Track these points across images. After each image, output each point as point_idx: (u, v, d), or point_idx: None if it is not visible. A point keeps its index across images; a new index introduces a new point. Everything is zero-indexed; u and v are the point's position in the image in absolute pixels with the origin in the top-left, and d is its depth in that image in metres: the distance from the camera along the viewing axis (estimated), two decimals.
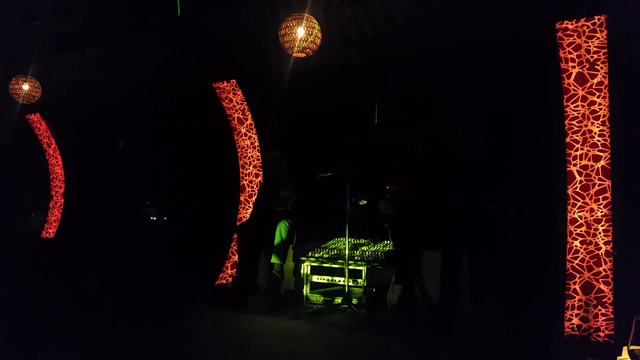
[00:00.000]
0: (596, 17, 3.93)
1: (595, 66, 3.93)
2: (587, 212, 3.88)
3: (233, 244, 5.78)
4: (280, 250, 4.38)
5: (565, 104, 4.02)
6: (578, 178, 3.92)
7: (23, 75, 5.92)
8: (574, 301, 3.81)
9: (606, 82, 3.89)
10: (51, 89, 6.26)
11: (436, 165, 4.33)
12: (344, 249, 4.05)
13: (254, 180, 6.00)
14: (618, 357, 3.03)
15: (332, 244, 4.54)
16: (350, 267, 4.05)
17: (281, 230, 4.38)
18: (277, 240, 4.40)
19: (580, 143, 3.94)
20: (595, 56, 3.93)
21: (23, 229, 9.44)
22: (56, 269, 6.84)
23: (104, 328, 4.76)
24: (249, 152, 6.05)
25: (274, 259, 4.37)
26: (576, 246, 3.88)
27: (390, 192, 4.36)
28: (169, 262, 6.79)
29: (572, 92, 4.00)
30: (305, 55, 4.31)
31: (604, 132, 3.87)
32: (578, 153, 3.94)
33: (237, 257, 4.90)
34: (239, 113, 6.05)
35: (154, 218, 9.39)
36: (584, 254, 3.84)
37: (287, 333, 3.66)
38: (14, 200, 9.41)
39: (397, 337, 3.40)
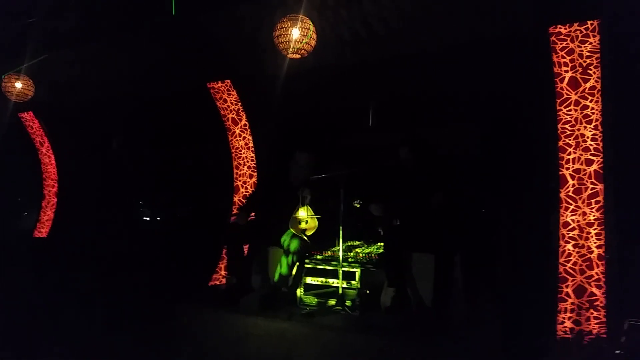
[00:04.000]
0: (589, 22, 3.95)
1: (588, 70, 3.96)
2: (579, 215, 3.90)
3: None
4: (290, 263, 4.24)
5: (558, 107, 4.05)
6: (571, 182, 3.95)
7: (16, 73, 5.88)
8: (567, 304, 3.84)
9: (599, 87, 3.92)
10: (44, 87, 6.23)
11: (429, 167, 4.34)
12: (338, 250, 4.05)
13: (248, 181, 5.99)
14: None
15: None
16: (344, 269, 4.05)
17: (292, 246, 4.20)
18: (287, 249, 4.24)
19: (573, 147, 3.97)
20: (588, 61, 3.96)
21: (15, 228, 9.39)
22: (49, 268, 6.80)
23: (97, 328, 4.74)
24: (243, 153, 6.04)
25: (284, 270, 4.22)
26: (569, 249, 3.90)
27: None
28: (162, 262, 6.77)
29: (565, 96, 4.03)
30: (300, 56, 4.30)
31: (597, 136, 3.90)
32: (571, 157, 3.97)
33: (227, 257, 4.85)
34: (233, 114, 6.05)
35: (148, 218, 9.36)
36: (576, 257, 3.87)
37: (281, 334, 3.66)
38: (6, 199, 9.34)
39: (390, 339, 3.40)
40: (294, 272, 4.29)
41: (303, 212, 4.30)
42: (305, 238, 4.25)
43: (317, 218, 4.28)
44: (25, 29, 5.85)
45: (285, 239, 4.28)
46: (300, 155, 4.60)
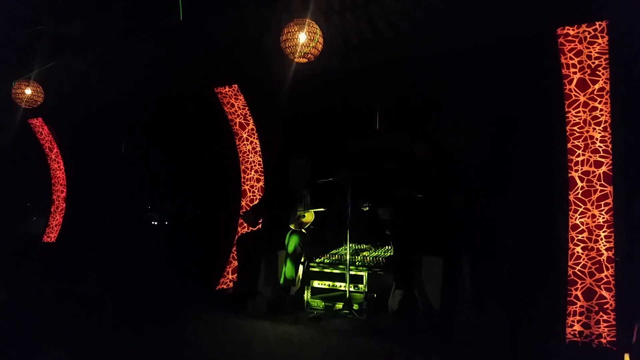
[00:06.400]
0: (597, 23, 3.93)
1: (597, 72, 3.93)
2: (588, 218, 3.87)
3: (234, 248, 5.77)
4: (294, 263, 4.26)
5: (566, 109, 4.03)
6: (580, 184, 3.92)
7: (25, 79, 5.93)
8: (576, 307, 3.80)
9: (607, 88, 3.89)
10: (53, 93, 6.28)
11: (437, 170, 4.33)
12: (345, 254, 4.04)
13: (255, 185, 6.00)
14: None
15: (333, 250, 4.54)
16: (351, 272, 4.04)
17: (294, 244, 4.23)
18: (290, 250, 4.24)
19: (582, 149, 3.94)
20: (597, 62, 3.94)
21: (24, 233, 9.45)
22: (57, 273, 6.84)
23: (105, 332, 4.75)
24: (251, 157, 6.06)
25: (289, 272, 4.23)
26: (578, 252, 3.87)
27: (397, 196, 4.34)
28: (170, 266, 6.78)
29: (574, 97, 4.01)
30: (306, 60, 4.31)
31: (606, 138, 3.87)
32: (579, 159, 3.94)
33: (237, 260, 4.86)
34: (240, 118, 6.06)
35: (155, 222, 9.38)
36: (585, 260, 3.84)
37: (288, 338, 3.65)
38: (16, 204, 9.42)
39: (398, 343, 3.38)
40: (300, 274, 4.31)
41: (302, 211, 4.42)
42: (304, 231, 4.31)
43: (313, 212, 4.38)
44: (34, 36, 5.90)
45: (287, 238, 4.30)
46: (296, 160, 4.71)
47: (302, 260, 4.30)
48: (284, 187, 4.77)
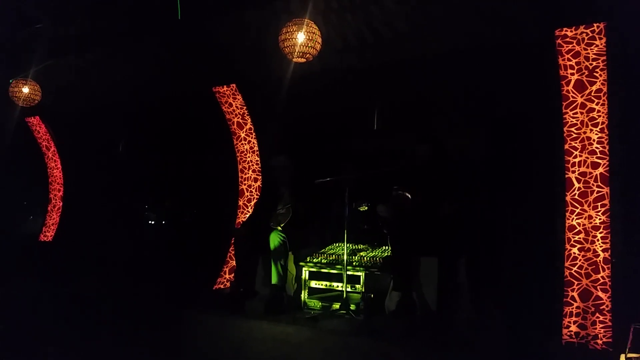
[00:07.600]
0: (595, 25, 3.94)
1: (594, 73, 3.94)
2: (585, 219, 3.88)
3: (231, 248, 5.77)
4: (278, 261, 4.29)
5: (564, 110, 4.03)
6: (577, 185, 3.92)
7: (23, 78, 5.92)
8: (572, 308, 3.81)
9: (605, 89, 3.90)
10: (51, 92, 6.27)
11: (435, 170, 4.33)
12: (343, 254, 4.04)
13: (253, 185, 6.00)
14: None
15: (330, 249, 4.54)
16: (348, 272, 4.04)
17: (274, 243, 4.27)
18: (272, 248, 4.30)
19: (579, 150, 3.95)
20: (595, 63, 3.94)
21: (21, 232, 9.43)
22: (54, 272, 6.82)
23: (103, 332, 4.75)
24: (248, 157, 6.05)
25: (279, 269, 4.27)
26: (574, 253, 3.88)
27: (393, 196, 4.35)
28: (167, 266, 6.78)
29: (571, 99, 4.01)
30: (305, 60, 4.31)
31: (603, 139, 3.87)
32: (577, 160, 3.95)
33: (235, 262, 4.87)
34: (238, 117, 6.06)
35: (153, 222, 9.37)
36: (582, 261, 3.84)
37: (285, 338, 3.66)
38: (13, 203, 9.39)
39: (395, 344, 3.39)
40: (293, 272, 4.33)
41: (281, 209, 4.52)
42: (279, 228, 4.35)
43: (289, 208, 4.46)
44: (32, 35, 5.89)
45: (272, 244, 4.32)
46: (276, 159, 4.78)
47: (289, 257, 4.33)
48: (274, 188, 4.83)
